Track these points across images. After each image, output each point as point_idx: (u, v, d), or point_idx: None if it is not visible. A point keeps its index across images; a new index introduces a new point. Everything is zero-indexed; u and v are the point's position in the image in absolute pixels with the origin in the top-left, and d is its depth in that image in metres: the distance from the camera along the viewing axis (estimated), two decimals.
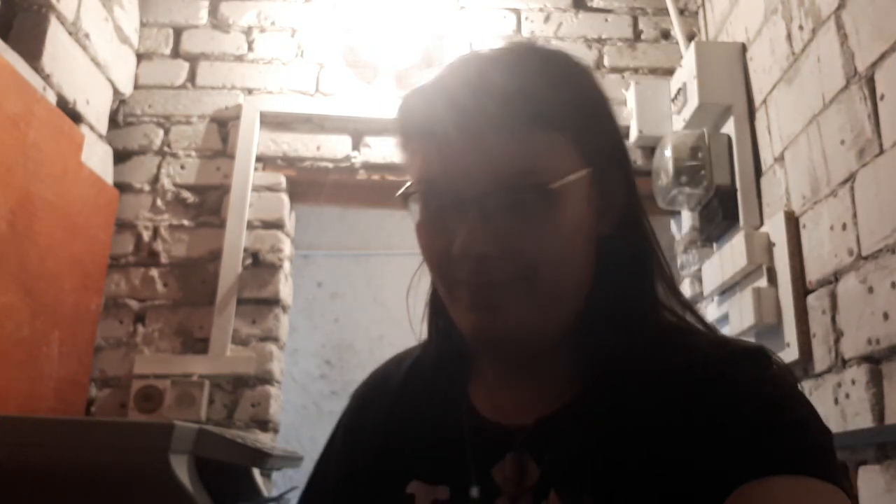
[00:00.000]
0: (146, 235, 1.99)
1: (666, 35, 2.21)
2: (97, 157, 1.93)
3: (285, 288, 2.03)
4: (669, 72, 2.09)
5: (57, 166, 1.67)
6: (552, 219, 0.54)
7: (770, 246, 1.58)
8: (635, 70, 2.18)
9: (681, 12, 2.17)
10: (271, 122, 2.10)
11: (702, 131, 1.82)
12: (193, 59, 2.16)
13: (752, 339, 1.60)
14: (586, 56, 2.19)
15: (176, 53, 2.16)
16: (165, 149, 2.07)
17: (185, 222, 2.01)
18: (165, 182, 2.03)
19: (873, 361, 1.23)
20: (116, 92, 2.02)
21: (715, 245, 1.87)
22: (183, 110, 2.10)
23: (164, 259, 1.97)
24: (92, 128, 1.91)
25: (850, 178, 1.32)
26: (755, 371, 0.55)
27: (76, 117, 1.81)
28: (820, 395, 1.39)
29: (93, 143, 1.90)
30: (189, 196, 2.03)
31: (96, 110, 1.92)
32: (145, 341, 1.91)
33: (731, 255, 1.65)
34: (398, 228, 3.32)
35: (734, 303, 1.65)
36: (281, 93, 2.12)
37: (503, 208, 0.53)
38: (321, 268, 3.49)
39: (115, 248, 1.97)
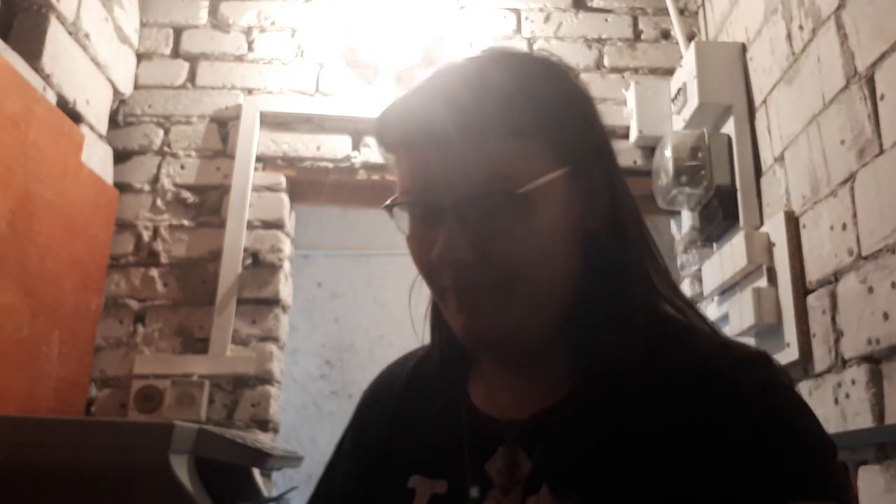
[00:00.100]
0: (146, 235, 1.99)
1: (666, 35, 2.21)
2: (97, 157, 1.93)
3: (285, 288, 2.03)
4: (669, 72, 2.09)
5: (57, 166, 1.67)
6: (527, 222, 0.55)
7: (770, 246, 1.58)
8: (635, 70, 2.18)
9: (681, 12, 2.17)
10: (271, 122, 2.10)
11: (702, 131, 1.82)
12: (193, 59, 2.16)
13: (752, 339, 1.60)
14: (586, 56, 2.19)
15: (176, 53, 2.16)
16: (165, 149, 2.07)
17: (185, 222, 2.01)
18: (165, 182, 2.03)
19: (873, 361, 1.23)
20: (116, 92, 2.02)
21: (715, 245, 1.87)
22: (183, 110, 2.10)
23: (164, 259, 1.97)
24: (92, 128, 1.91)
25: (850, 178, 1.31)
26: (757, 374, 0.55)
27: (76, 117, 1.81)
28: (820, 395, 1.39)
29: (93, 143, 1.90)
30: (189, 196, 2.03)
31: (96, 110, 1.92)
32: (145, 341, 1.91)
33: (731, 255, 1.65)
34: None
35: (734, 303, 1.65)
36: (281, 93, 2.12)
37: (478, 214, 0.55)
38: (321, 268, 3.49)
39: (115, 248, 1.96)
